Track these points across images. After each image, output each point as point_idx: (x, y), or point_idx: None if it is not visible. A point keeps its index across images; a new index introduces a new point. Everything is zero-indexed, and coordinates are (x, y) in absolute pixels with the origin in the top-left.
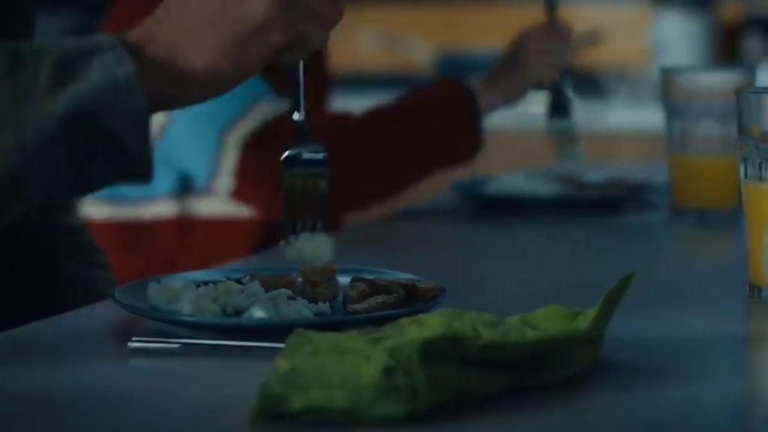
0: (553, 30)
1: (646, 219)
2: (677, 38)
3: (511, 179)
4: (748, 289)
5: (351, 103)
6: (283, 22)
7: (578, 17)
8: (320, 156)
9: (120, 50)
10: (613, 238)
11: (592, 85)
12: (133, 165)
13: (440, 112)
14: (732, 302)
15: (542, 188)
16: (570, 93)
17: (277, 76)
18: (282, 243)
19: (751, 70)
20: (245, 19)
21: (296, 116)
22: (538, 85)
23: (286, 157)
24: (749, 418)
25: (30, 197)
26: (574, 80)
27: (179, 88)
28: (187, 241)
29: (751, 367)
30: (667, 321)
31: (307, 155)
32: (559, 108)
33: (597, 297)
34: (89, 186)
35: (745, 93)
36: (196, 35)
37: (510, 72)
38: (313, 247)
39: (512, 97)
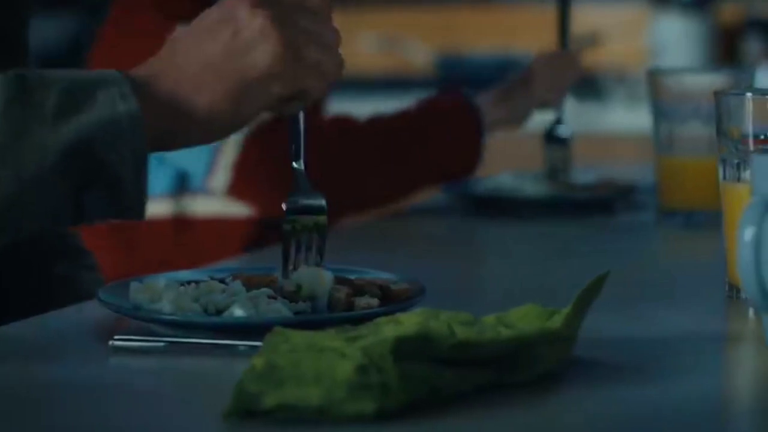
0: (562, 55)
1: (635, 219)
2: (676, 40)
3: (502, 179)
4: (727, 288)
5: (351, 106)
6: (286, 76)
7: (577, 19)
8: (320, 203)
9: (124, 86)
10: (601, 239)
11: (590, 86)
12: (128, 201)
13: (444, 126)
14: (713, 301)
15: (533, 189)
16: (567, 124)
17: None
18: (279, 277)
19: (746, 72)
20: (249, 69)
21: (296, 165)
22: (543, 107)
23: (287, 207)
24: (721, 415)
25: (24, 225)
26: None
27: (178, 129)
28: (182, 240)
29: (726, 366)
30: (647, 319)
31: (306, 202)
32: (556, 137)
33: None
34: (83, 218)
35: (724, 95)
36: (200, 80)
37: (517, 92)
38: (312, 280)
39: (517, 117)
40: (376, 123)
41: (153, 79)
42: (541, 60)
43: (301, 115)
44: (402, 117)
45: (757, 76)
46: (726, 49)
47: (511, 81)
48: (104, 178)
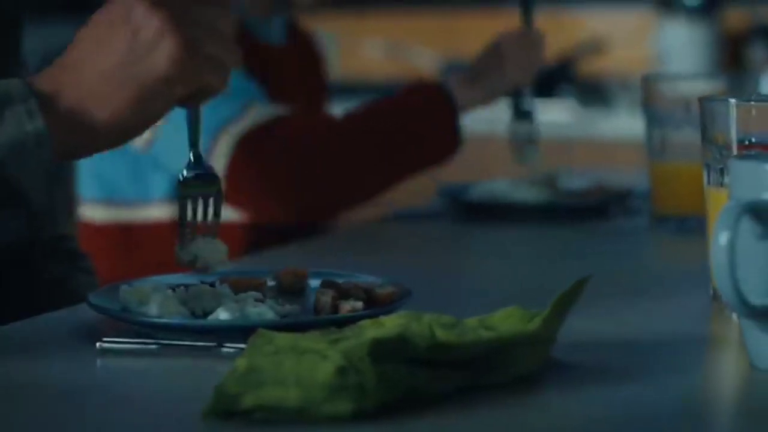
0: (528, 34)
1: (629, 225)
2: (681, 46)
3: (496, 185)
4: (711, 292)
5: None
6: (186, 76)
7: (582, 25)
8: (213, 174)
9: (30, 103)
10: (593, 243)
11: (596, 92)
12: (38, 219)
13: (415, 112)
14: (698, 305)
15: (527, 194)
16: (531, 98)
17: (271, 82)
18: (177, 247)
19: (748, 78)
20: (148, 75)
21: (192, 152)
22: (515, 86)
23: (181, 179)
24: (701, 415)
25: None
26: (578, 88)
27: (84, 140)
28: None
29: (704, 368)
30: (630, 322)
31: (200, 173)
32: (522, 111)
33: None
34: None
35: (708, 101)
36: (101, 91)
37: (488, 72)
38: (208, 250)
39: (489, 96)
40: (353, 118)
41: (57, 93)
42: (508, 39)
43: (199, 107)
44: (377, 108)
45: (762, 82)
46: (731, 55)
47: (479, 61)
48: (13, 198)
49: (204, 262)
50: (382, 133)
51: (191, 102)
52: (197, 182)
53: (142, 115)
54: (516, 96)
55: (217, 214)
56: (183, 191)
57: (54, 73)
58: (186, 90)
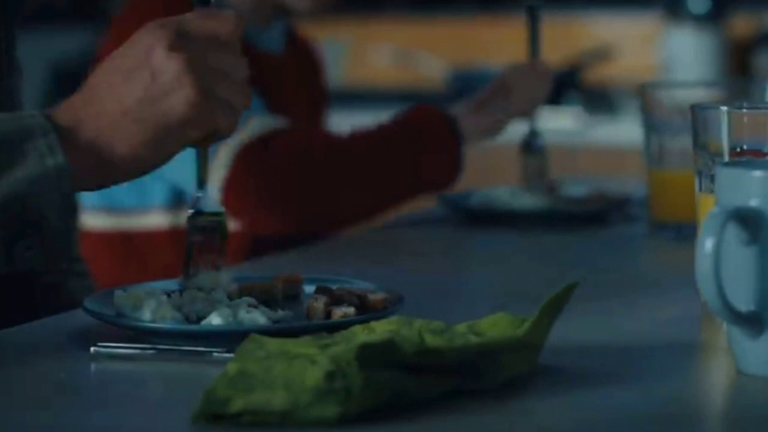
0: (534, 65)
1: (627, 232)
2: (688, 54)
3: (497, 193)
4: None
5: (365, 118)
6: (201, 120)
7: (589, 33)
8: (219, 210)
9: (51, 137)
10: (591, 250)
11: (602, 100)
12: (57, 250)
13: (420, 140)
14: (692, 311)
15: (527, 201)
16: (543, 135)
17: (270, 90)
18: (182, 278)
19: (746, 85)
20: (166, 116)
21: (198, 193)
22: (519, 117)
23: (189, 214)
24: (687, 420)
25: None
26: (584, 95)
27: (102, 172)
28: (180, 251)
29: (692, 373)
30: (624, 329)
31: (207, 209)
32: (534, 147)
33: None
34: (13, 265)
35: (700, 108)
36: (119, 128)
37: (494, 103)
38: (212, 282)
39: (494, 127)
40: (355, 136)
41: (76, 128)
42: (515, 71)
43: (207, 148)
44: (380, 131)
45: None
46: (738, 62)
47: (485, 92)
48: (34, 229)
49: (208, 290)
50: (382, 155)
51: (202, 143)
52: (204, 219)
53: (156, 152)
54: (530, 133)
55: (222, 250)
56: (190, 228)
57: (73, 106)
58: (200, 132)
